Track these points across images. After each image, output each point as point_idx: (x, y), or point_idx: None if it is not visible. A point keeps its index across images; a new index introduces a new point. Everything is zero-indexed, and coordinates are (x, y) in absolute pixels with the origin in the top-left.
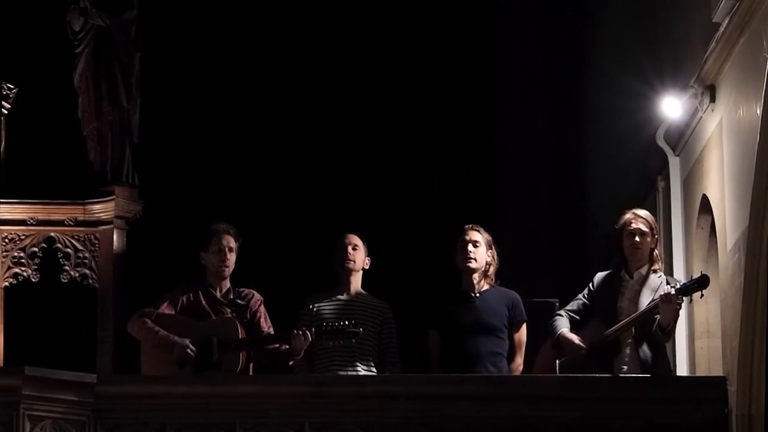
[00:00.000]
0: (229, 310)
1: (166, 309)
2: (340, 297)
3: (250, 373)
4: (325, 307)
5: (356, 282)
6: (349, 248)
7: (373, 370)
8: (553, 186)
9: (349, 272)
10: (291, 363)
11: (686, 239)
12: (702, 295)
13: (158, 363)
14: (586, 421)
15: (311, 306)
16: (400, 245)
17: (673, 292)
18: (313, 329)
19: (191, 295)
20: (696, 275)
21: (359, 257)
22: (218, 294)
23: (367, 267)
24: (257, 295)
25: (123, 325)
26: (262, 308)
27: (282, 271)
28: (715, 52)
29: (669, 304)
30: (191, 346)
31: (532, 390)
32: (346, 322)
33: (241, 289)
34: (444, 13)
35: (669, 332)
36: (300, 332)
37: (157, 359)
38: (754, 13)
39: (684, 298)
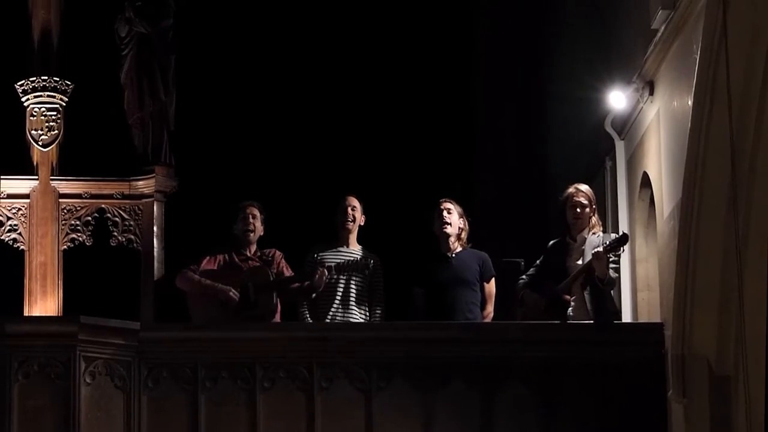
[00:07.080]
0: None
1: (207, 265)
2: (340, 249)
3: (279, 310)
4: (327, 256)
5: (353, 237)
6: (349, 209)
7: (365, 311)
8: (520, 161)
9: (348, 230)
10: (313, 296)
11: (630, 209)
12: (623, 250)
13: (204, 309)
14: (547, 360)
15: (315, 255)
16: (385, 209)
17: (601, 250)
18: (331, 266)
19: (226, 255)
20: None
21: (357, 217)
22: (248, 254)
23: (362, 224)
24: (279, 252)
25: (162, 281)
26: (283, 261)
27: (297, 229)
28: (654, 54)
29: (599, 261)
30: (233, 290)
31: (501, 335)
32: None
33: (266, 250)
34: (424, 14)
35: (609, 282)
36: (321, 271)
37: (203, 306)
38: (686, 21)
39: (618, 252)
